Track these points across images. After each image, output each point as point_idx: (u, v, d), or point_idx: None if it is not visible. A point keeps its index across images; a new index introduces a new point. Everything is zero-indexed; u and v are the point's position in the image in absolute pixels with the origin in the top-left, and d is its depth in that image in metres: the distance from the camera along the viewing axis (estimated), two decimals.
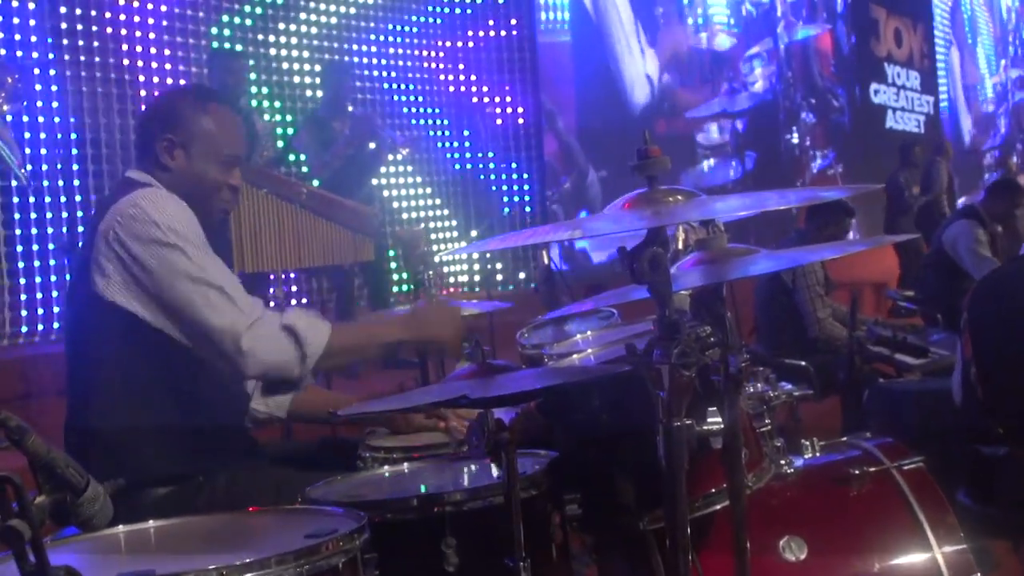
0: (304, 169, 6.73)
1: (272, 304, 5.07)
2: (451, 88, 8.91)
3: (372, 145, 6.20)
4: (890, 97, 14.83)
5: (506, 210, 9.02)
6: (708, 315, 1.77)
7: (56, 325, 5.90)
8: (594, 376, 1.92)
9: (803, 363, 5.07)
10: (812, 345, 5.33)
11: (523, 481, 1.81)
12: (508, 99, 9.12)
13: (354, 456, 2.49)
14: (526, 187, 9.19)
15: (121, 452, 2.26)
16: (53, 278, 5.91)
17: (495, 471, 1.73)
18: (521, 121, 9.17)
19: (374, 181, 6.96)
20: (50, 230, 5.87)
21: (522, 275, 8.86)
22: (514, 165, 9.09)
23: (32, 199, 5.81)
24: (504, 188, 9.13)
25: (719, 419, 1.57)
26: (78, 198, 5.90)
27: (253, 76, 7.12)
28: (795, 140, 13.45)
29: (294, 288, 7.08)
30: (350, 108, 6.25)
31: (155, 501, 2.22)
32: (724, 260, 1.80)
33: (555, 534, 1.95)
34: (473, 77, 9.00)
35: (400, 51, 8.55)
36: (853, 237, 12.31)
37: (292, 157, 6.69)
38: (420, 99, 8.69)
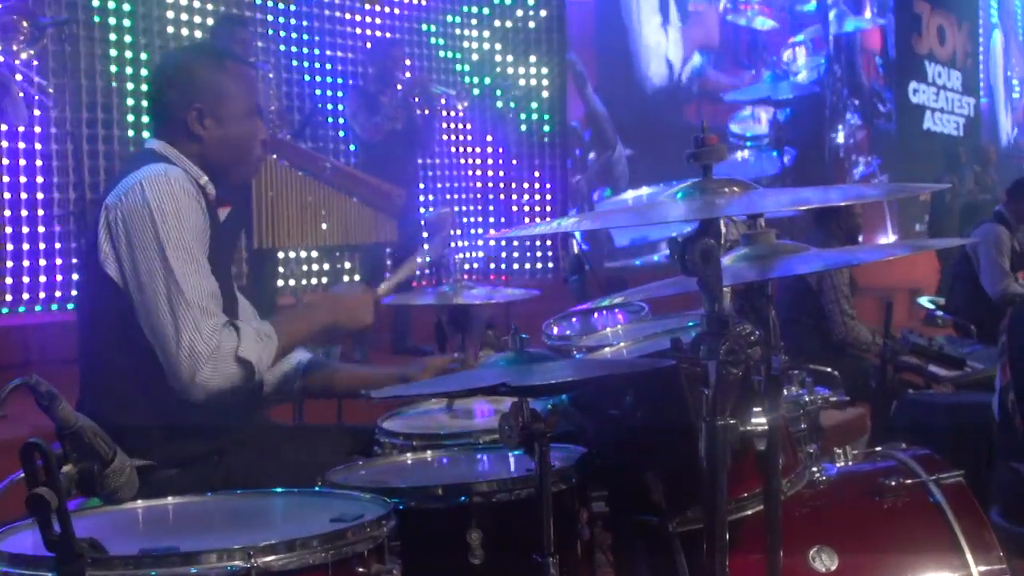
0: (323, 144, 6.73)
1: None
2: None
3: (425, 112, 6.22)
4: (929, 97, 14.51)
5: (525, 196, 9.01)
6: (752, 313, 1.78)
7: (58, 293, 5.94)
8: (638, 369, 1.93)
9: (829, 369, 5.05)
10: (838, 350, 5.29)
11: (553, 475, 1.82)
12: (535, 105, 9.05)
13: (369, 441, 2.51)
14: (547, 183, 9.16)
15: (133, 431, 2.27)
16: (58, 245, 5.93)
17: (511, 462, 1.72)
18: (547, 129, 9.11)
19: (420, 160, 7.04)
20: (56, 195, 5.89)
21: (539, 265, 8.89)
22: (536, 174, 9.07)
23: (39, 163, 5.83)
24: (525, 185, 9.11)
25: (763, 420, 1.58)
26: (87, 163, 5.90)
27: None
28: (839, 140, 12.85)
29: (315, 267, 7.07)
30: (399, 87, 6.27)
31: (169, 480, 2.23)
32: (772, 256, 1.81)
33: (582, 531, 1.96)
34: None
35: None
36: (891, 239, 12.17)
37: (309, 131, 6.70)
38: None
